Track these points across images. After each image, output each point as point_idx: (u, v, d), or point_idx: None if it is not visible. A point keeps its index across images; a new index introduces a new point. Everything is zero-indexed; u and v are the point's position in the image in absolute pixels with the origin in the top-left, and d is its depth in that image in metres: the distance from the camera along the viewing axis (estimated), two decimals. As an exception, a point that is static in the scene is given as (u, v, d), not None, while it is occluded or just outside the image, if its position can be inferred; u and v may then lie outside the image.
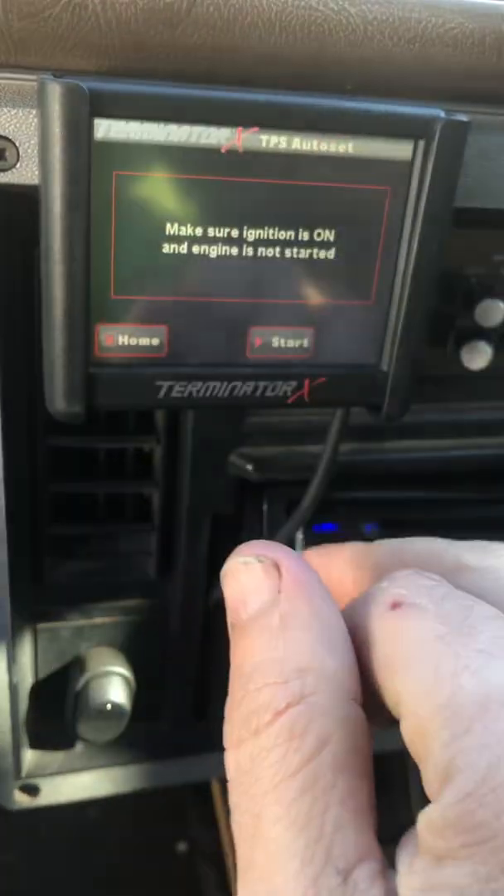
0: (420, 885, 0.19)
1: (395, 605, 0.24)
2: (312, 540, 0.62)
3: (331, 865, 0.20)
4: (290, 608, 0.24)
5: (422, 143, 0.41)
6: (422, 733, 0.21)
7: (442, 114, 0.40)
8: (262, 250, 0.41)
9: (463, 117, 0.40)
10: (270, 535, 0.61)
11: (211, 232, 0.40)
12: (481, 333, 0.57)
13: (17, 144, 0.42)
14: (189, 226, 0.40)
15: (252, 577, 0.25)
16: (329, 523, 0.62)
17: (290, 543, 0.61)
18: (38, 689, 0.68)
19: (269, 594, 0.24)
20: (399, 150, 0.41)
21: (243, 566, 0.26)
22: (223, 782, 1.21)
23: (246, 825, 0.21)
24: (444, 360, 0.59)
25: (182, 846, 1.34)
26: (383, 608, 0.24)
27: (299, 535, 0.62)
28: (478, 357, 0.57)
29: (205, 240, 0.40)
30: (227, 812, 1.16)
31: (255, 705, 0.22)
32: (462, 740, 0.19)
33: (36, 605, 0.65)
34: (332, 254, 0.42)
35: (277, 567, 0.25)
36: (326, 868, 0.20)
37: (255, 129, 0.39)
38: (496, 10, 0.44)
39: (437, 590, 0.24)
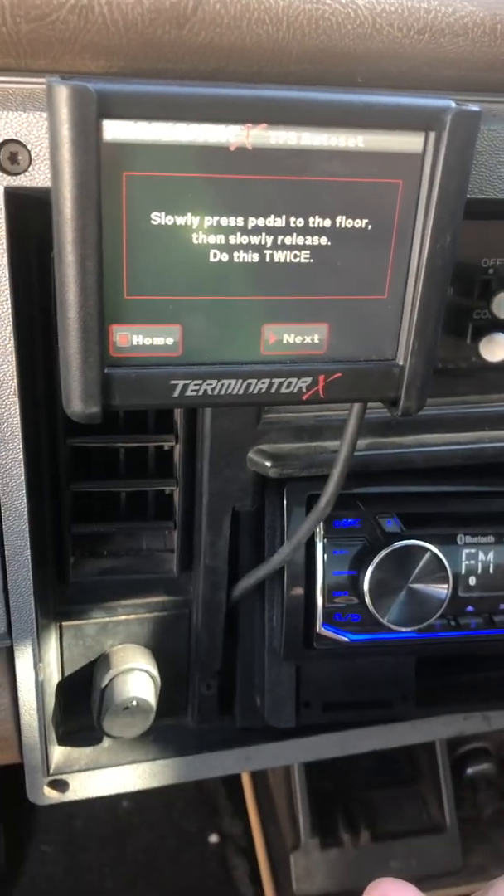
0: None
1: None
2: (333, 535, 0.62)
3: None
4: None
5: (433, 135, 0.40)
6: None
7: (452, 104, 0.40)
8: (273, 247, 0.41)
9: (474, 107, 0.40)
10: (291, 532, 0.61)
11: (222, 230, 0.40)
12: (500, 325, 0.56)
13: (29, 148, 0.42)
14: (200, 225, 0.40)
15: None
16: (350, 519, 0.62)
17: (311, 538, 0.61)
18: (64, 687, 0.69)
19: None
20: (410, 142, 0.41)
21: None
22: (253, 774, 1.22)
23: None
24: (462, 353, 0.59)
25: (213, 838, 1.35)
26: None
27: (319, 531, 0.62)
28: (496, 349, 0.57)
29: (216, 238, 0.40)
30: (257, 804, 1.16)
31: None
32: None
33: (60, 603, 0.66)
34: (344, 249, 0.42)
35: None
36: None
37: (264, 125, 0.39)
38: (507, -3, 0.44)
39: None
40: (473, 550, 0.65)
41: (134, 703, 0.65)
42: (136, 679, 0.66)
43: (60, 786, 0.71)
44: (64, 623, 0.66)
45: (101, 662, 0.68)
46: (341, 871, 1.12)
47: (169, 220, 0.40)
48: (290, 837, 1.15)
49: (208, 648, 0.69)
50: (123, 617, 0.67)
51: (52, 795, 0.71)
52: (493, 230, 0.55)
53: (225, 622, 0.68)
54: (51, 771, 0.70)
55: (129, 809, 1.38)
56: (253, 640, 0.70)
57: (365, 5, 0.42)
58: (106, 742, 0.72)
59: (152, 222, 0.39)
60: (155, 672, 0.68)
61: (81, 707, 0.69)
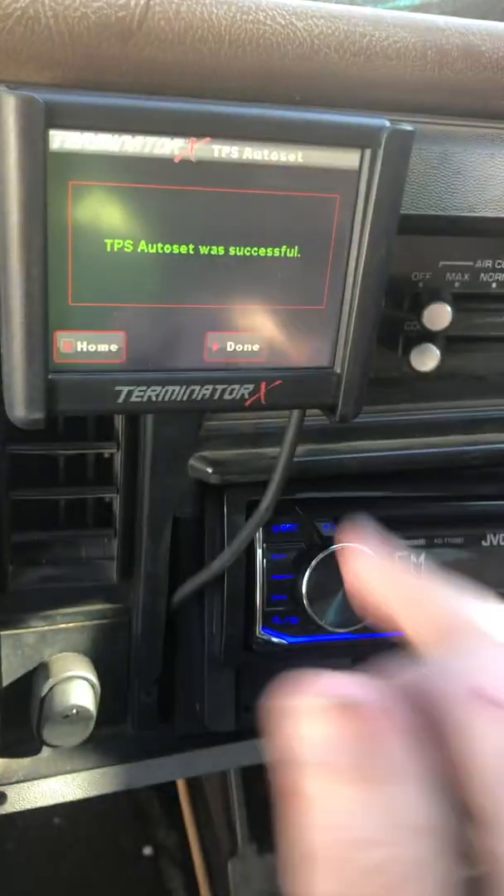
0: None
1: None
2: (272, 540, 0.63)
3: None
4: (377, 757, 0.20)
5: (368, 152, 0.42)
6: None
7: (387, 123, 0.42)
8: (216, 257, 0.42)
9: (408, 127, 0.42)
10: (231, 537, 0.62)
11: (166, 240, 0.41)
12: (429, 336, 0.58)
13: (-27, 156, 0.42)
14: (144, 234, 0.41)
15: (319, 723, 0.21)
16: (288, 524, 0.64)
17: (251, 544, 0.62)
18: (2, 697, 0.68)
19: (345, 740, 0.21)
20: (347, 158, 0.42)
21: (310, 707, 0.21)
22: (189, 783, 1.21)
23: None
24: (394, 363, 0.61)
25: (148, 850, 1.34)
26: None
27: (259, 536, 0.63)
28: (426, 360, 0.59)
29: (160, 247, 0.41)
30: (194, 813, 1.16)
31: (360, 867, 0.20)
32: None
33: (-2, 612, 0.65)
34: (284, 261, 0.44)
35: (349, 707, 0.21)
36: None
37: (208, 139, 0.40)
38: (437, 24, 0.46)
39: None
40: (405, 553, 0.67)
41: (74, 711, 0.65)
42: (76, 687, 0.66)
43: (-2, 798, 0.70)
44: (2, 632, 0.66)
45: (39, 671, 0.67)
46: (279, 876, 1.12)
47: (114, 228, 0.40)
48: (227, 844, 1.16)
49: (148, 656, 0.69)
50: (63, 625, 0.67)
51: (-11, 808, 0.70)
52: (424, 245, 0.58)
53: (165, 629, 0.69)
54: (-12, 783, 0.69)
55: (63, 826, 1.36)
56: (193, 646, 0.71)
57: (304, 28, 0.43)
58: (45, 752, 0.71)
59: (97, 230, 0.40)
60: (95, 680, 0.68)
61: (20, 717, 0.68)
